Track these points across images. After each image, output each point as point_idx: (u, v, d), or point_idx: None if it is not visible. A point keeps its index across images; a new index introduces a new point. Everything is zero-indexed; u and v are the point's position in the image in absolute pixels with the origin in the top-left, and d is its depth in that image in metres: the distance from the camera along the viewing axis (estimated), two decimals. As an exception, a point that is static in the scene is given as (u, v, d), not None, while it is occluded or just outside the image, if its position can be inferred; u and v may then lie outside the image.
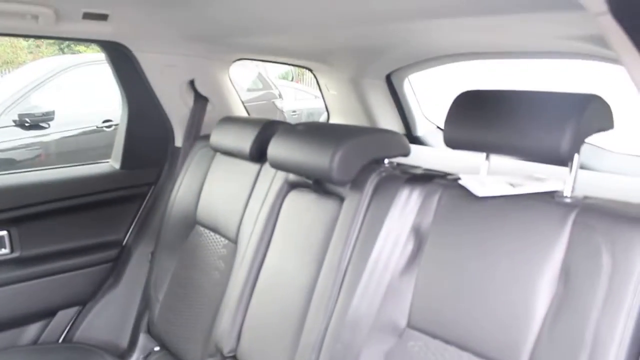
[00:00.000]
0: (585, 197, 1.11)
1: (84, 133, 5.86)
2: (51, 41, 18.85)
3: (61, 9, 1.78)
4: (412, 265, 1.29)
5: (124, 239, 2.36)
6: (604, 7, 0.68)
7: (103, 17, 1.91)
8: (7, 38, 17.27)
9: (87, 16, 1.87)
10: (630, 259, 0.94)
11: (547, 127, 1.08)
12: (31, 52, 18.43)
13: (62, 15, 1.81)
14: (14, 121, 5.54)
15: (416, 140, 2.68)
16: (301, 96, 8.70)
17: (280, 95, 7.44)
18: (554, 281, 1.04)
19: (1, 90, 6.08)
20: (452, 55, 2.27)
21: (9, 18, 1.76)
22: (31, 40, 18.24)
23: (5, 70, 16.34)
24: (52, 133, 5.71)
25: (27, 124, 5.56)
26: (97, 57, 6.67)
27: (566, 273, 1.02)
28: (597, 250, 0.98)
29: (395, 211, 1.35)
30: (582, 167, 1.96)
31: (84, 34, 2.01)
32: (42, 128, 5.66)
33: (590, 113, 1.07)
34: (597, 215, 1.03)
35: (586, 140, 2.09)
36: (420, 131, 2.71)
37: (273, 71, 8.59)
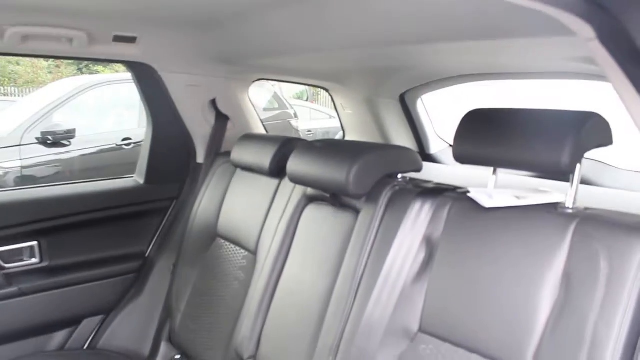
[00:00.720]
0: (586, 209, 1.19)
1: (104, 151, 5.99)
2: (70, 61, 19.25)
3: (94, 32, 1.91)
4: (424, 273, 1.37)
5: (147, 251, 2.45)
6: (592, 34, 0.76)
7: (132, 40, 2.03)
8: (29, 59, 17.67)
9: (117, 39, 1.99)
10: (626, 263, 1.01)
11: (549, 142, 1.16)
12: (50, 72, 18.82)
13: (94, 38, 1.93)
14: (37, 139, 5.69)
15: (429, 158, 2.75)
16: (316, 116, 8.82)
17: (295, 115, 7.56)
18: (556, 286, 1.11)
19: (25, 109, 6.27)
20: (462, 76, 2.36)
21: (47, 41, 1.89)
22: (51, 61, 18.65)
23: (25, 89, 16.72)
24: (73, 150, 5.85)
25: (49, 142, 5.71)
26: (115, 77, 6.87)
27: (567, 279, 1.09)
28: (596, 257, 1.05)
29: (407, 222, 1.43)
30: (590, 183, 2.05)
31: (113, 56, 2.13)
32: (64, 145, 5.80)
33: (589, 129, 1.14)
34: (596, 224, 1.10)
35: (595, 158, 2.16)
36: (433, 149, 2.79)
37: (288, 91, 8.72)
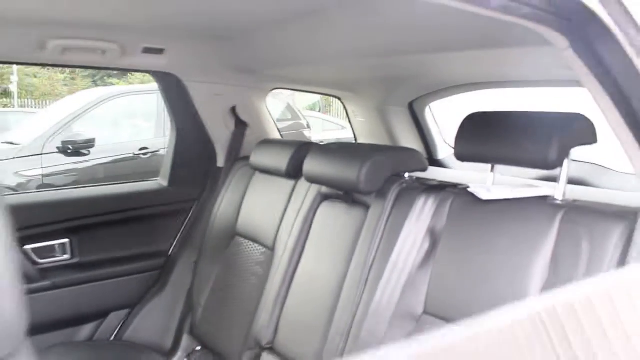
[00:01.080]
0: (574, 201, 1.33)
1: (122, 160, 6.16)
2: (85, 74, 19.70)
3: (126, 44, 2.07)
4: (428, 261, 1.50)
5: (169, 249, 2.58)
6: (566, 44, 0.90)
7: (159, 52, 2.19)
8: (46, 72, 18.06)
9: (147, 50, 2.15)
10: (605, 244, 1.15)
11: (539, 140, 1.30)
12: (66, 85, 19.20)
13: (126, 49, 2.10)
14: (58, 148, 5.88)
15: (437, 164, 2.88)
16: (328, 127, 8.97)
17: (308, 126, 7.70)
18: (546, 268, 1.25)
19: (46, 119, 6.47)
20: (467, 85, 2.49)
21: (83, 52, 2.05)
22: (67, 73, 19.05)
23: (42, 101, 17.05)
24: (92, 159, 6.02)
25: (69, 151, 5.88)
26: (132, 89, 7.07)
27: (555, 261, 1.23)
28: (579, 239, 1.19)
29: (413, 216, 1.57)
30: (589, 184, 2.17)
31: (142, 66, 2.30)
32: (83, 155, 5.97)
33: (574, 129, 1.29)
34: (581, 213, 1.24)
35: (595, 162, 2.27)
36: (441, 155, 2.92)
37: (301, 102, 8.88)
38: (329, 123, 9.19)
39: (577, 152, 2.10)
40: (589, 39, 0.86)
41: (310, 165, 1.88)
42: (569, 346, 0.58)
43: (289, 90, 6.23)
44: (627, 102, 0.93)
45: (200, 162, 2.63)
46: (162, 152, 6.07)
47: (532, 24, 0.86)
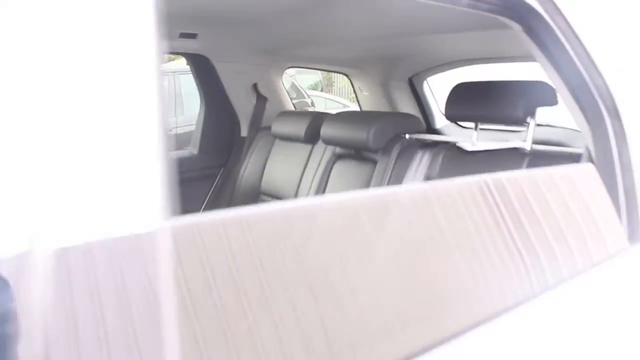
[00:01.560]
0: (538, 150, 1.69)
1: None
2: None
3: (165, 30, 2.41)
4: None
5: (200, 208, 2.95)
6: (519, 28, 1.25)
7: (193, 36, 2.53)
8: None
9: (182, 35, 2.49)
10: None
11: (510, 102, 1.66)
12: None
13: (164, 35, 2.43)
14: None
15: (435, 133, 3.22)
16: (331, 105, 9.28)
17: (312, 104, 8.03)
18: (515, 202, 1.61)
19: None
20: (458, 61, 2.84)
21: None
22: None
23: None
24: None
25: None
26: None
27: None
28: None
29: (412, 168, 1.94)
30: (568, 146, 2.52)
31: (178, 49, 2.64)
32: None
33: (537, 92, 1.65)
34: (541, 158, 1.61)
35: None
36: (438, 124, 3.26)
37: (303, 82, 9.18)
38: (332, 102, 9.49)
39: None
40: (532, 24, 1.21)
41: (327, 129, 2.25)
42: (512, 207, 0.90)
43: (292, 70, 6.55)
44: (565, 73, 1.29)
45: (226, 132, 2.99)
46: (174, 130, 6.43)
47: (493, 15, 1.21)
